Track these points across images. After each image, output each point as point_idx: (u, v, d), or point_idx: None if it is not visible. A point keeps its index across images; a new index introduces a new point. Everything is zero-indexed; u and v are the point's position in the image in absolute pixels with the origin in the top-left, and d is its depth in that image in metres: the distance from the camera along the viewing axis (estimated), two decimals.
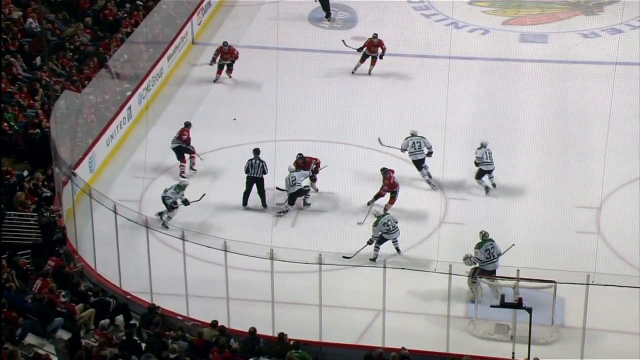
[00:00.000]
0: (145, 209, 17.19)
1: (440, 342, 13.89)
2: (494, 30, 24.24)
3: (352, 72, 22.00)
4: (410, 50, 23.05)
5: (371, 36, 21.86)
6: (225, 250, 14.12)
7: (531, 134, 19.75)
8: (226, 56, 21.94)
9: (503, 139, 19.46)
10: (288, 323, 14.25)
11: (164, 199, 16.82)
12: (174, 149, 18.61)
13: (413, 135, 18.13)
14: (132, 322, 14.71)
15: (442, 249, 15.70)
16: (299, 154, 17.88)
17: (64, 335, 14.02)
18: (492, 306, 12.84)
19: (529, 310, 12.09)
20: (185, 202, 16.93)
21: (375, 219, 15.87)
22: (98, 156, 18.66)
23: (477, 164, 17.84)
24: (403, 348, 13.55)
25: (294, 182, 17.13)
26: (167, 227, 16.30)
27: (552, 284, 14.02)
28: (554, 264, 15.34)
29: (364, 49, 22.00)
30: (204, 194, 17.07)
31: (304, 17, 25.13)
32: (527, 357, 12.58)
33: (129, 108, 20.22)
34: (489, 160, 17.75)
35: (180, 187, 17.01)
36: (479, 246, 14.96)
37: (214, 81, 22.03)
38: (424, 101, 20.74)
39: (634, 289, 13.43)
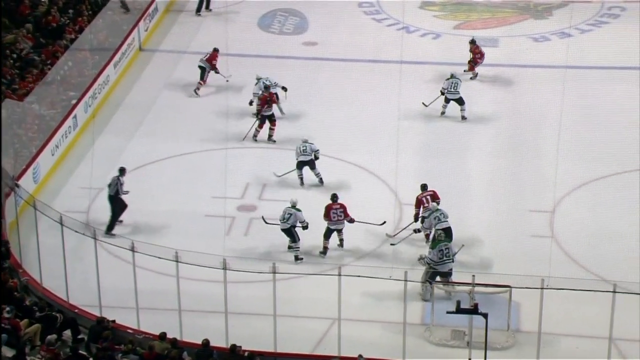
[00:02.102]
0: (93, 220, 16.83)
1: (396, 349, 13.79)
2: (445, 34, 24.30)
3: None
4: (361, 55, 22.98)
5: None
6: (177, 261, 13.84)
7: (484, 137, 19.79)
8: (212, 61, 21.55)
9: (455, 143, 19.47)
10: (242, 334, 14.03)
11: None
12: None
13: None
14: (80, 336, 14.33)
15: (398, 254, 15.63)
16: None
17: (8, 352, 13.55)
18: (448, 312, 12.73)
19: (485, 315, 12.03)
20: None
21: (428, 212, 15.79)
22: (42, 166, 18.19)
23: (442, 93, 19.91)
24: (360, 356, 13.44)
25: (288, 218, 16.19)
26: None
27: (508, 288, 14.00)
28: (508, 269, 15.37)
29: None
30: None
31: (253, 23, 24.92)
32: None
33: (75, 117, 19.77)
34: (453, 90, 19.79)
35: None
36: (433, 246, 14.97)
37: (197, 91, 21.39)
38: (376, 106, 20.65)
39: (587, 292, 13.42)
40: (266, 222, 16.29)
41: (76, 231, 14.79)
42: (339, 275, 13.57)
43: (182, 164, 18.93)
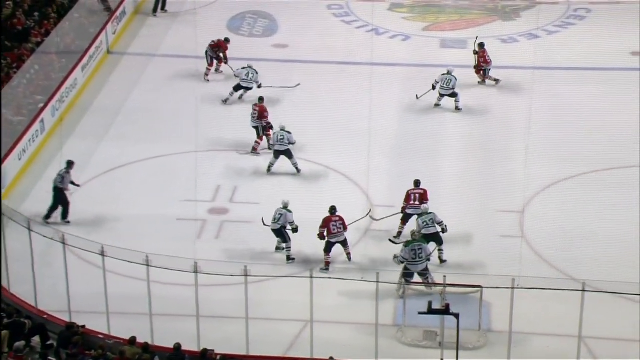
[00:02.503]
0: (62, 224, 16.64)
1: (368, 351, 13.79)
2: (414, 36, 24.40)
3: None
4: (332, 57, 22.98)
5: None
6: (147, 265, 13.73)
7: (454, 138, 19.88)
8: (221, 50, 21.87)
9: (427, 144, 19.54)
10: (214, 337, 13.94)
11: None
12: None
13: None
14: (49, 342, 14.15)
15: (370, 256, 15.64)
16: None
17: None
18: (419, 313, 12.75)
19: (457, 316, 12.07)
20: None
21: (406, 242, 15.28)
22: (9, 171, 17.95)
23: (433, 87, 20.20)
24: (331, 358, 13.40)
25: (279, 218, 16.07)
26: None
27: (479, 288, 14.06)
28: (480, 269, 15.47)
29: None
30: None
31: (223, 26, 24.83)
32: None
33: (42, 121, 19.55)
34: (445, 87, 20.11)
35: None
36: (406, 245, 15.00)
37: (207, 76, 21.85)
38: (347, 108, 20.67)
39: (557, 291, 13.52)
40: (264, 225, 16.04)
41: (44, 236, 14.62)
42: (311, 277, 13.55)
43: (153, 167, 18.80)
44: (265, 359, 13.94)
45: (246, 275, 13.57)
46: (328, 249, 15.71)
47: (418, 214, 15.94)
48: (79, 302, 14.57)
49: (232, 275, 13.67)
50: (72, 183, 17.28)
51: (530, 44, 23.04)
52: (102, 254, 13.99)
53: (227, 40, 22.11)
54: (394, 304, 14.89)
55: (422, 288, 14.79)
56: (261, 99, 19.64)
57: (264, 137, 19.08)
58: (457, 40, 24.01)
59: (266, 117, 19.08)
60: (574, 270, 15.37)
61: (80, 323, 14.15)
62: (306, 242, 16.01)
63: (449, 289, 14.06)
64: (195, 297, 13.74)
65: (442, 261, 15.82)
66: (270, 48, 22.89)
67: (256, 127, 19.23)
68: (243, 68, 20.91)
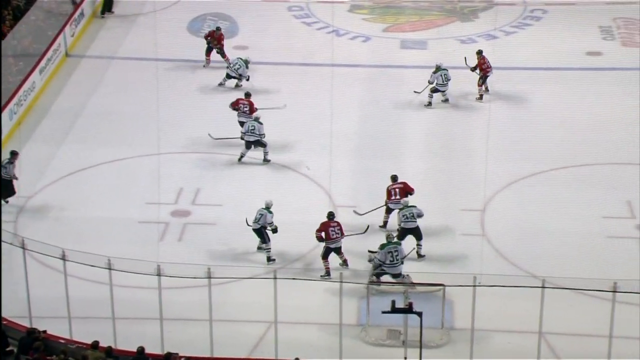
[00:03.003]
0: (22, 229, 16.44)
1: (333, 351, 13.83)
2: (375, 37, 24.54)
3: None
4: (292, 58, 23.00)
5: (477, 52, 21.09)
6: (110, 269, 13.63)
7: (415, 138, 20.04)
8: (214, 41, 22.26)
9: (389, 144, 19.67)
10: (178, 340, 13.90)
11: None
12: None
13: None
14: (9, 349, 13.96)
15: (333, 256, 15.68)
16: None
17: None
18: (383, 312, 12.85)
19: (420, 314, 12.18)
20: None
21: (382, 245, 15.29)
22: None
23: (430, 84, 20.41)
24: (297, 359, 13.40)
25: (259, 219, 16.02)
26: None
27: (441, 287, 14.20)
28: (442, 268, 15.62)
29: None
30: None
31: (183, 27, 24.74)
32: None
33: None
34: (444, 82, 20.35)
35: None
36: (381, 247, 15.06)
37: (203, 66, 22.44)
38: (309, 109, 20.72)
39: (518, 288, 13.69)
40: (248, 225, 15.91)
41: (4, 241, 14.42)
42: (275, 278, 13.56)
43: (114, 171, 18.66)
44: None
45: (209, 278, 13.54)
46: (326, 255, 15.65)
47: (399, 208, 16.02)
48: (39, 307, 14.41)
49: (195, 278, 13.62)
50: (13, 175, 17.17)
51: (488, 45, 23.30)
52: (63, 258, 13.87)
53: (218, 29, 22.50)
54: (357, 303, 14.95)
55: (380, 288, 14.85)
56: (248, 94, 19.76)
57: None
58: (417, 41, 24.21)
59: (255, 110, 19.25)
60: (533, 267, 15.59)
61: (41, 328, 14.00)
62: (275, 243, 16.04)
63: (411, 287, 14.22)
64: (158, 300, 13.67)
65: (420, 256, 15.94)
66: (231, 49, 22.84)
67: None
68: (239, 58, 21.39)
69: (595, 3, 25.72)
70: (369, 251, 15.50)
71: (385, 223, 16.70)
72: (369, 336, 14.45)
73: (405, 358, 13.44)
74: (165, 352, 13.52)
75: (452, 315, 14.65)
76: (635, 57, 22.91)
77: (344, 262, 15.73)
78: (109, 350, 13.52)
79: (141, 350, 13.54)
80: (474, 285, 13.44)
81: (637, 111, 20.44)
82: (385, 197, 16.67)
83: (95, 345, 13.57)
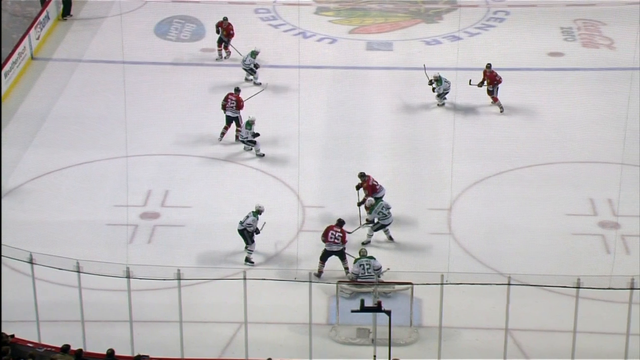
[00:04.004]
0: None
1: (303, 350, 13.92)
2: (341, 39, 24.69)
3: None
4: (259, 60, 23.06)
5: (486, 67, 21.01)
6: (78, 272, 13.59)
7: (382, 139, 20.21)
8: (224, 32, 22.51)
9: (355, 145, 19.83)
10: (148, 342, 13.91)
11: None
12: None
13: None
14: None
15: (302, 257, 15.78)
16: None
17: None
18: (352, 311, 12.96)
19: (388, 313, 12.30)
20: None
21: (371, 206, 16.27)
22: None
23: (433, 89, 20.73)
24: (269, 359, 13.48)
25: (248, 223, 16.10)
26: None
27: (409, 285, 14.36)
28: (410, 266, 15.79)
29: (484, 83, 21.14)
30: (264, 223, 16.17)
31: (149, 30, 24.69)
32: (387, 359, 12.79)
33: None
34: (446, 92, 20.63)
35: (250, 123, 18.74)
36: (354, 261, 15.28)
37: (216, 59, 22.91)
38: (277, 111, 20.80)
39: (484, 285, 13.91)
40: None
41: None
42: (244, 279, 13.62)
43: (82, 174, 18.58)
44: None
45: (179, 279, 13.54)
46: (324, 257, 15.71)
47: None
48: (7, 311, 14.24)
49: (164, 279, 13.64)
50: None
51: (452, 46, 23.57)
52: (31, 261, 13.79)
53: (225, 19, 22.72)
54: (327, 303, 15.08)
55: (354, 289, 14.99)
56: (237, 89, 19.83)
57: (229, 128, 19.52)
58: (382, 42, 24.41)
59: (242, 107, 19.46)
60: (499, 265, 15.83)
61: (8, 332, 13.89)
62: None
63: (380, 287, 14.36)
64: (128, 302, 13.66)
65: (390, 239, 16.49)
66: (198, 52, 22.84)
67: (236, 118, 19.51)
68: (249, 53, 21.75)
69: (556, 5, 26.15)
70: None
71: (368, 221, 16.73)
72: (339, 335, 14.56)
73: (375, 356, 13.56)
74: (135, 354, 13.52)
75: (420, 313, 14.82)
76: (595, 57, 23.34)
77: (345, 270, 15.78)
78: (78, 354, 13.47)
79: (111, 352, 13.49)
80: (442, 284, 13.60)
81: (598, 111, 20.85)
82: (368, 195, 16.94)
83: (65, 348, 13.50)
